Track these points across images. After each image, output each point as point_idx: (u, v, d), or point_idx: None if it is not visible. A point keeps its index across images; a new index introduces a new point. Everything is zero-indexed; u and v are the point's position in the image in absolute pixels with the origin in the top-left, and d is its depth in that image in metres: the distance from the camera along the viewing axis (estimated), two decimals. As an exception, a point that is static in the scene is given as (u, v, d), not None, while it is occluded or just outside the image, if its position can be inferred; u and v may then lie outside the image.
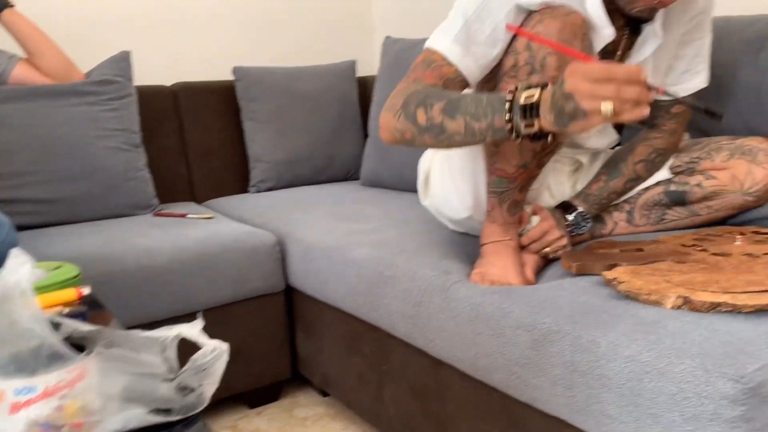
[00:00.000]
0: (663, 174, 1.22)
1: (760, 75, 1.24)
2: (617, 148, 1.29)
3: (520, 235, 1.15)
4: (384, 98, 2.01)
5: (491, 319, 0.98)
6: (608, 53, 1.09)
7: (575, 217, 1.18)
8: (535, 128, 0.86)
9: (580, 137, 1.23)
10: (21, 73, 1.73)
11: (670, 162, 1.21)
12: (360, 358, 1.37)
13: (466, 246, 1.27)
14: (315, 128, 2.16)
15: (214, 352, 0.58)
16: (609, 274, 0.93)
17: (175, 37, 2.21)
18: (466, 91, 1.08)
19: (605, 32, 1.02)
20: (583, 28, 0.99)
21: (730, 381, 0.68)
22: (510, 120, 0.87)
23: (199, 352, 0.58)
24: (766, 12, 1.30)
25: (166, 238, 1.50)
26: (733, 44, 1.29)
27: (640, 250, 1.05)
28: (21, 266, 0.51)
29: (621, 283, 0.90)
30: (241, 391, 1.58)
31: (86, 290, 0.82)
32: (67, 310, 0.76)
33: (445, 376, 1.13)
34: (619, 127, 1.29)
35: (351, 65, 2.29)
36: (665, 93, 0.82)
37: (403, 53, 1.99)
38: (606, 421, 0.81)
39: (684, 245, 1.06)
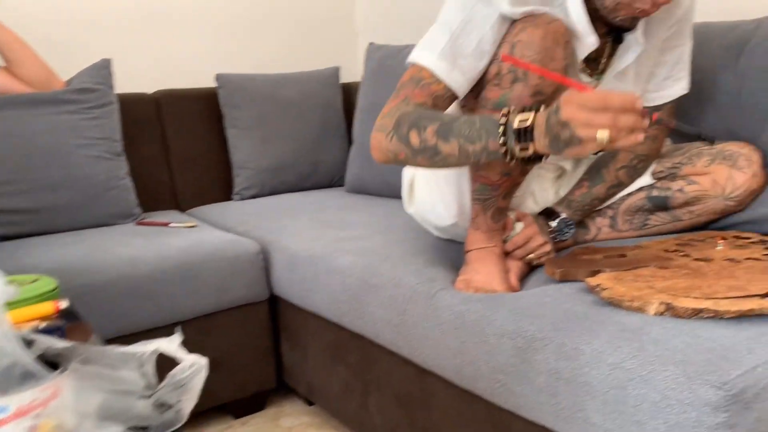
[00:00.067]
0: (645, 180, 1.22)
1: (740, 80, 1.25)
2: (600, 154, 1.29)
3: (505, 241, 1.15)
4: (368, 105, 2.02)
5: (475, 327, 0.97)
6: (591, 61, 1.10)
7: (558, 223, 1.18)
8: (530, 152, 0.86)
9: None
10: (0, 82, 1.71)
11: (652, 168, 1.22)
12: (345, 367, 1.36)
13: (451, 252, 1.27)
14: (299, 135, 2.15)
15: (193, 367, 0.57)
16: (592, 281, 0.93)
17: (157, 44, 2.19)
18: (453, 108, 1.08)
19: (588, 40, 1.03)
20: (566, 35, 0.99)
21: (712, 388, 0.69)
22: (504, 143, 0.87)
23: (178, 368, 0.57)
24: (745, 18, 1.32)
25: (148, 248, 1.48)
26: (713, 50, 1.30)
27: (623, 255, 1.06)
28: (-8, 282, 0.50)
29: (604, 289, 0.90)
30: (226, 401, 1.57)
31: (64, 304, 0.81)
32: (44, 324, 0.75)
33: (430, 384, 1.12)
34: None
35: (335, 72, 2.29)
36: (659, 120, 0.83)
37: (386, 59, 1.99)
38: (590, 429, 0.81)
39: (666, 250, 1.06)
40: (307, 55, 2.48)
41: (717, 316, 0.80)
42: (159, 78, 2.17)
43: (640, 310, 0.85)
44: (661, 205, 1.19)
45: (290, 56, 2.45)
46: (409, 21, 2.34)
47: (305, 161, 2.16)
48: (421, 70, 1.02)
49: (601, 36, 1.04)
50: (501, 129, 0.87)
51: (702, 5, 1.24)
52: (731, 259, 0.99)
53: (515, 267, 1.15)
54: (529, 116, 0.85)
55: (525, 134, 0.85)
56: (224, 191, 2.14)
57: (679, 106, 1.22)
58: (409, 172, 1.30)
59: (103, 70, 1.80)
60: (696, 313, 0.81)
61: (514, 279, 1.13)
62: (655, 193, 1.20)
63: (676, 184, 1.18)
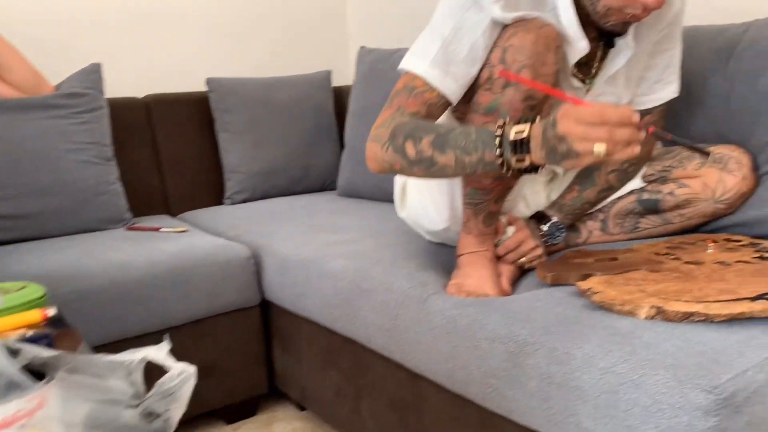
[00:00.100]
0: (636, 183, 1.22)
1: (729, 83, 1.26)
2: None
3: (496, 245, 1.15)
4: (360, 108, 2.02)
5: (467, 332, 0.97)
6: (583, 65, 1.10)
7: (549, 227, 1.19)
8: (527, 163, 0.86)
9: None
10: (-12, 87, 1.70)
11: (642, 171, 1.22)
12: (337, 372, 1.36)
13: (443, 256, 1.26)
14: (290, 139, 2.15)
15: (182, 376, 0.57)
16: (583, 285, 0.93)
17: (147, 48, 2.18)
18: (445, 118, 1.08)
19: (580, 45, 1.03)
20: (557, 40, 0.99)
21: (703, 392, 0.69)
22: (501, 155, 0.87)
23: (166, 376, 0.57)
24: (735, 21, 1.32)
25: (139, 253, 1.47)
26: (703, 53, 1.31)
27: (614, 259, 1.06)
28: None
29: (595, 293, 0.90)
30: (218, 407, 1.56)
31: (52, 311, 0.80)
32: (31, 332, 0.74)
33: (423, 389, 1.12)
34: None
35: (326, 75, 2.28)
36: (656, 134, 0.83)
37: (378, 63, 1.99)
38: (582, 434, 0.81)
39: (657, 254, 1.07)
40: (298, 59, 2.48)
41: (708, 319, 0.80)
42: (149, 82, 2.16)
43: (631, 313, 0.85)
44: (652, 208, 1.20)
45: (281, 60, 2.44)
46: (400, 24, 2.34)
47: (297, 165, 2.16)
48: (414, 78, 1.02)
49: (591, 40, 1.04)
50: (497, 140, 0.87)
51: (691, 8, 1.25)
52: (722, 263, 0.99)
53: (507, 271, 1.15)
54: (525, 128, 0.85)
55: (521, 146, 0.85)
56: (215, 196, 2.14)
57: (669, 109, 1.22)
58: (401, 177, 1.30)
59: (92, 74, 1.79)
60: (687, 317, 0.81)
61: (505, 283, 1.12)
62: (645, 196, 1.20)
63: (667, 187, 1.18)
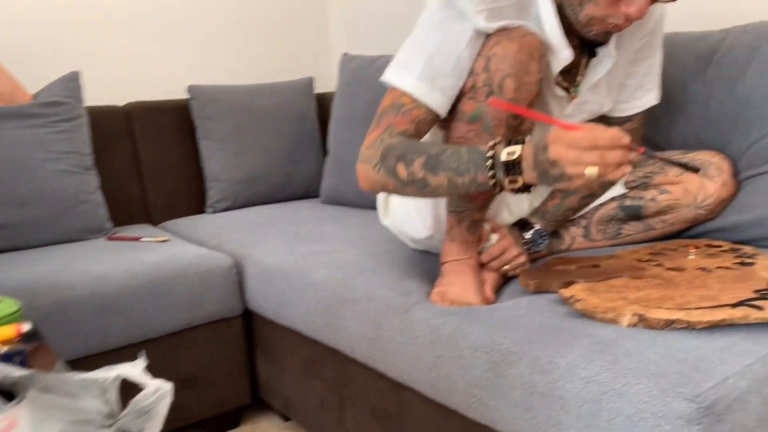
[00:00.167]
0: (618, 189, 1.23)
1: (708, 89, 1.27)
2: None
3: (480, 253, 1.15)
4: (343, 115, 2.01)
5: (450, 341, 0.96)
6: (566, 73, 1.10)
7: (532, 234, 1.18)
8: (519, 184, 0.86)
9: None
10: (-36, 96, 1.67)
11: (624, 177, 1.22)
12: (321, 382, 1.35)
13: (427, 264, 1.26)
14: (273, 146, 2.13)
15: (157, 393, 0.55)
16: (566, 292, 0.93)
17: (127, 56, 2.16)
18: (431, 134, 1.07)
19: (563, 54, 1.03)
20: (541, 49, 0.99)
21: (685, 401, 0.68)
22: (493, 177, 0.87)
23: (141, 394, 0.56)
24: (714, 28, 1.33)
25: (119, 263, 1.45)
26: (683, 59, 1.32)
27: (597, 266, 1.06)
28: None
29: (577, 301, 0.90)
30: (201, 418, 1.54)
31: (26, 327, 0.78)
32: (4, 349, 0.73)
33: (406, 398, 1.11)
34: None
35: (309, 82, 2.28)
36: (646, 153, 0.84)
37: (360, 70, 1.99)
38: (566, 443, 0.80)
39: (639, 260, 1.07)
40: (280, 66, 2.47)
41: (689, 326, 0.80)
42: (130, 90, 2.14)
43: (613, 321, 0.85)
44: (634, 215, 1.20)
45: (264, 67, 2.43)
46: (383, 31, 2.34)
47: (279, 172, 2.15)
48: (402, 95, 1.01)
49: (574, 48, 1.04)
50: (489, 162, 0.87)
51: (671, 15, 1.25)
52: (703, 269, 0.99)
53: (490, 278, 1.14)
54: (516, 149, 0.85)
55: (513, 167, 0.85)
56: (197, 204, 2.12)
57: (649, 115, 1.23)
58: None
59: (71, 82, 1.77)
60: (668, 324, 0.81)
61: (489, 291, 1.12)
62: (627, 202, 1.20)
63: (649, 194, 1.19)
